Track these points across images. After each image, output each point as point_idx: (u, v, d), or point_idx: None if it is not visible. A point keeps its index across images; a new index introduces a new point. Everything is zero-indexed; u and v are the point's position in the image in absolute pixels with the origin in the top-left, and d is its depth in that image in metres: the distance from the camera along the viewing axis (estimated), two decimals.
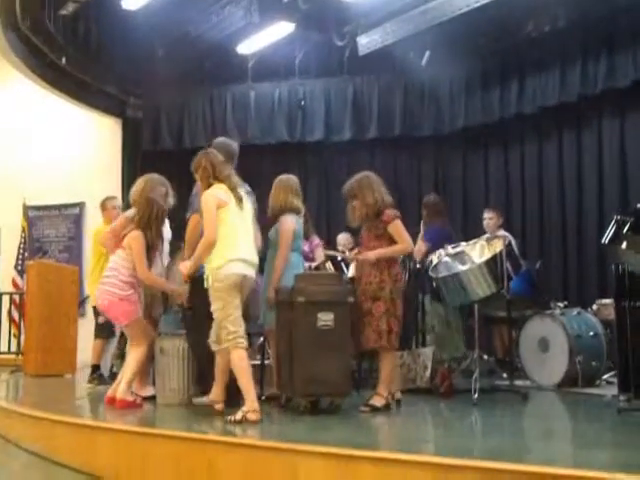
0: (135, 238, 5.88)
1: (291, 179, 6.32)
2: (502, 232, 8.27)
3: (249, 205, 5.60)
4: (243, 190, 5.62)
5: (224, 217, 5.29)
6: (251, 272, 5.41)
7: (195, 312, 5.88)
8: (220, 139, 6.48)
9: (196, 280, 5.53)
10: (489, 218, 8.61)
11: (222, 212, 5.29)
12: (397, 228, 5.74)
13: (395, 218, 5.75)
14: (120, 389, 5.84)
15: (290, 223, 6.05)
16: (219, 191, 5.35)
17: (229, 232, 5.28)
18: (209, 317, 5.38)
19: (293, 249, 6.04)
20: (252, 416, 5.05)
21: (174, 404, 5.93)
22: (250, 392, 5.17)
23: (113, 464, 4.90)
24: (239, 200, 5.41)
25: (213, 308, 5.29)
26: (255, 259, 5.49)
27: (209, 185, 5.41)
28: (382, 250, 5.68)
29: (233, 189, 5.41)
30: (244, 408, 5.09)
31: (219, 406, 5.45)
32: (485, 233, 8.21)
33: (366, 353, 6.31)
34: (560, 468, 3.51)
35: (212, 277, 5.24)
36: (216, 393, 5.46)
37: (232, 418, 5.04)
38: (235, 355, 5.21)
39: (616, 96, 9.17)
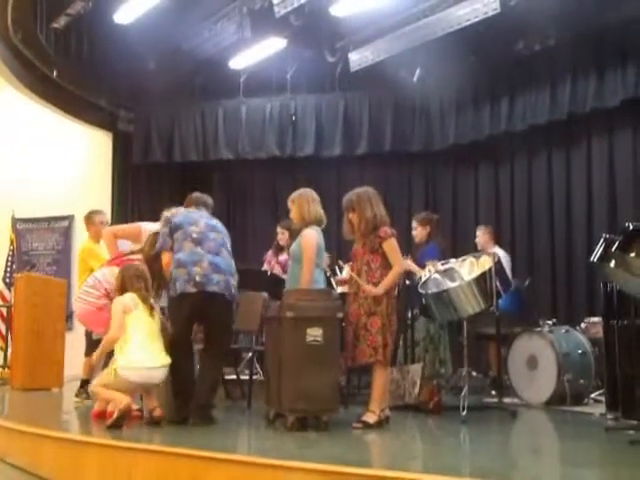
0: (116, 302, 5.93)
1: (311, 191, 6.30)
2: (496, 249, 8.30)
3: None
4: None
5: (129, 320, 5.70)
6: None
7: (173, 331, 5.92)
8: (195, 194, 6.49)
9: (171, 302, 5.85)
10: (482, 235, 8.63)
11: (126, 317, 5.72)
12: (392, 247, 5.72)
13: (392, 236, 5.74)
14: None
15: (313, 237, 6.00)
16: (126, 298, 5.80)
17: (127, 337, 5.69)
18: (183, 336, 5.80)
19: (316, 265, 6.01)
20: (157, 412, 5.63)
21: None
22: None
23: (100, 479, 4.86)
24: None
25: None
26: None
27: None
28: (386, 283, 5.64)
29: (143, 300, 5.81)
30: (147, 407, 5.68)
31: (157, 412, 5.68)
32: (478, 250, 8.21)
33: (356, 369, 6.31)
34: None
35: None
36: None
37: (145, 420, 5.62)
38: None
39: (605, 115, 9.22)
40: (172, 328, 5.88)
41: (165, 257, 5.94)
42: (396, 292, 6.80)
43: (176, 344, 5.83)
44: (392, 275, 5.70)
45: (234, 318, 6.20)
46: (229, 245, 6.04)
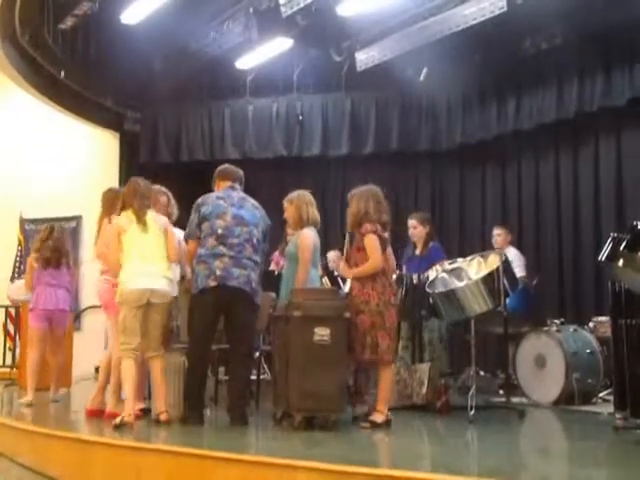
0: (109, 227, 6.21)
1: (308, 193, 6.39)
2: (511, 248, 8.29)
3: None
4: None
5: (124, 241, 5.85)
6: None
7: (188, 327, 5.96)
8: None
9: (192, 300, 5.89)
10: (497, 235, 8.62)
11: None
12: (370, 243, 5.75)
13: (371, 232, 5.75)
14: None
15: (310, 237, 6.11)
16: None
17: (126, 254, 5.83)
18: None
19: (313, 265, 6.10)
20: (129, 419, 5.52)
21: (170, 419, 5.91)
22: (130, 397, 5.65)
23: (107, 479, 4.87)
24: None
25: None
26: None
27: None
28: (356, 270, 5.77)
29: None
30: (123, 412, 5.55)
31: (164, 416, 5.68)
32: (492, 249, 8.20)
33: (364, 368, 6.32)
34: None
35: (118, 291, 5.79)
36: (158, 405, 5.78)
37: (114, 422, 5.49)
38: (124, 364, 5.68)
39: (612, 113, 9.19)
40: (190, 326, 5.88)
41: (191, 245, 5.94)
42: (403, 292, 6.83)
43: (195, 344, 5.83)
44: (364, 267, 5.74)
45: (257, 315, 6.17)
46: (258, 234, 5.96)
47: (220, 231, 5.80)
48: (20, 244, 12.33)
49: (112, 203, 6.33)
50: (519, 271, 7.74)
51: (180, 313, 6.28)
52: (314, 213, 6.24)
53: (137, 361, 5.73)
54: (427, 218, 8.04)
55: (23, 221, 12.43)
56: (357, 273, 5.78)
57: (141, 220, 5.83)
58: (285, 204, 6.33)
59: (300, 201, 6.25)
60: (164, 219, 6.08)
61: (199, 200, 5.99)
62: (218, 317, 5.90)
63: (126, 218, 5.87)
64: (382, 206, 5.93)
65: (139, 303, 5.68)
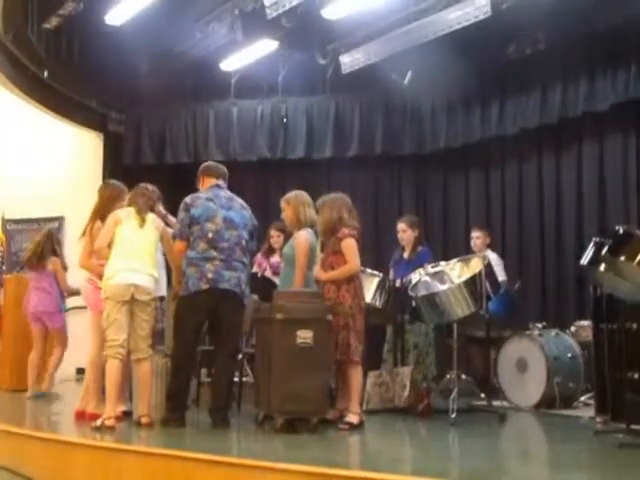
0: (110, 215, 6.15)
1: (306, 194, 6.38)
2: (489, 252, 8.27)
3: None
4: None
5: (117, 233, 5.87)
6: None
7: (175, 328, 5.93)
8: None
9: (180, 302, 5.87)
10: (476, 237, 8.59)
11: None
12: (348, 246, 5.88)
13: (349, 236, 5.89)
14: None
15: (306, 239, 6.08)
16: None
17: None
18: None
19: (309, 266, 6.07)
20: (109, 422, 5.48)
21: (152, 421, 5.89)
22: (111, 399, 5.62)
23: None
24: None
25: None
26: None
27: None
28: (332, 273, 5.89)
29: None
30: (104, 415, 5.53)
31: (145, 419, 5.68)
32: (470, 252, 8.20)
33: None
34: None
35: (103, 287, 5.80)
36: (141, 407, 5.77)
37: (94, 424, 5.51)
38: (109, 364, 5.64)
39: (596, 119, 9.24)
40: (177, 328, 5.87)
41: (179, 245, 5.91)
42: (386, 296, 6.84)
43: (181, 346, 5.82)
44: (341, 270, 5.87)
45: (243, 316, 6.16)
46: (246, 234, 5.98)
47: (211, 235, 5.80)
48: (2, 244, 12.26)
49: (109, 198, 6.34)
50: (500, 275, 7.75)
51: (165, 316, 6.27)
52: (311, 214, 6.21)
53: (123, 361, 5.70)
54: (416, 222, 8.02)
55: (5, 221, 12.36)
56: (333, 276, 5.88)
57: (140, 216, 5.89)
58: (282, 204, 6.32)
59: (297, 202, 6.24)
60: (162, 223, 6.15)
61: (188, 200, 5.96)
62: (205, 319, 5.92)
63: (126, 212, 5.96)
64: (353, 213, 6.11)
65: (123, 298, 5.66)
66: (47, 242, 8.28)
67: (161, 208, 6.56)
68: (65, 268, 8.20)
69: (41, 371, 8.29)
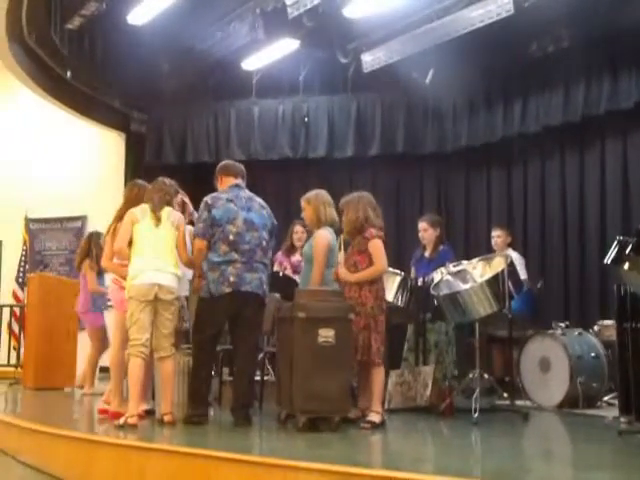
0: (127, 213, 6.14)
1: (326, 193, 6.35)
2: (510, 251, 8.21)
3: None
4: None
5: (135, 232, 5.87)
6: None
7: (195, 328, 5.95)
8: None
9: (201, 303, 5.86)
10: (497, 236, 8.52)
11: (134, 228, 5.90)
12: (376, 248, 5.86)
13: (376, 237, 5.88)
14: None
15: (325, 237, 6.06)
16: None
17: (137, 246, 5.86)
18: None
19: (328, 265, 6.04)
20: (132, 420, 5.50)
21: (175, 420, 5.91)
22: (134, 398, 5.62)
23: (110, 479, 4.87)
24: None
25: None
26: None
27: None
28: (360, 274, 5.85)
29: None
30: (126, 413, 5.55)
31: (168, 417, 5.66)
32: (494, 251, 8.16)
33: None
34: None
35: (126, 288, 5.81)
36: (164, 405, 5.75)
37: (117, 423, 5.52)
38: (131, 363, 5.65)
39: (619, 117, 9.16)
40: (197, 328, 5.88)
41: (199, 243, 5.87)
42: (408, 294, 6.83)
43: (200, 345, 5.85)
44: (369, 271, 5.85)
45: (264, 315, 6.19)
46: (266, 235, 5.97)
47: (232, 237, 5.80)
48: (25, 244, 12.37)
49: (136, 198, 6.34)
50: (522, 274, 7.70)
51: (190, 315, 6.27)
52: (332, 213, 6.18)
53: (145, 360, 5.71)
54: (437, 221, 7.97)
55: (28, 220, 12.47)
56: (360, 277, 5.84)
57: (156, 214, 5.86)
58: (303, 204, 6.29)
59: (318, 201, 6.21)
60: (179, 215, 6.07)
61: (208, 200, 5.94)
62: (226, 321, 5.94)
63: (141, 210, 5.92)
64: (378, 211, 6.08)
65: (147, 298, 5.66)
66: (86, 245, 8.46)
67: (187, 199, 6.56)
68: (93, 268, 8.23)
69: (85, 368, 8.54)
